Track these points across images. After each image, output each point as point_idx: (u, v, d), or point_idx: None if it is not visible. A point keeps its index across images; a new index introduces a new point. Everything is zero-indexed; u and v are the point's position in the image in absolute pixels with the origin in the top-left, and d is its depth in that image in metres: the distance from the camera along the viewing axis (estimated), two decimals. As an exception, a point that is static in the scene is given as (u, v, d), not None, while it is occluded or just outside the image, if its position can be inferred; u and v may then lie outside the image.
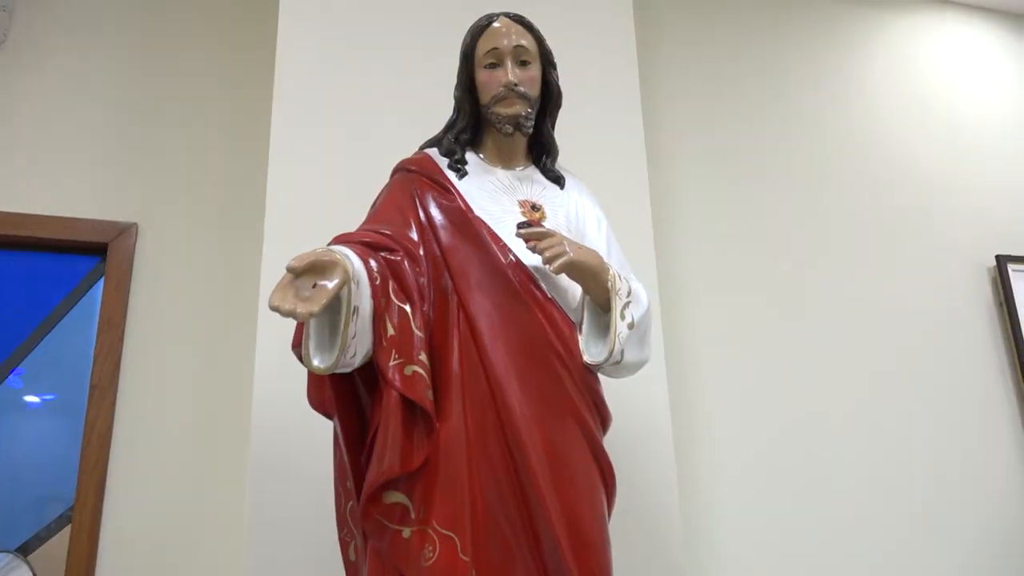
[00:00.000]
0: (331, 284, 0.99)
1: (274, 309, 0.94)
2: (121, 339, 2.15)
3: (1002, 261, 2.60)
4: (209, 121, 2.35)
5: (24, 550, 2.00)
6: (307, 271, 0.98)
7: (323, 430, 1.59)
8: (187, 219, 2.27)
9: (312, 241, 1.70)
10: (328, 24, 2.00)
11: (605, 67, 2.08)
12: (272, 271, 1.72)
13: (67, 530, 2.03)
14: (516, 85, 1.25)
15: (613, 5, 2.15)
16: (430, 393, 1.11)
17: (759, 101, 2.59)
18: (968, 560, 2.26)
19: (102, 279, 2.22)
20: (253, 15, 2.47)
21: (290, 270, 0.97)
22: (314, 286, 0.98)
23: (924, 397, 2.42)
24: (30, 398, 2.13)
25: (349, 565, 1.21)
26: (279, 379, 1.65)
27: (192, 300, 2.21)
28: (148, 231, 2.24)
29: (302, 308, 0.94)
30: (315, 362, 1.04)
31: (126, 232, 2.22)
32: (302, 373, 1.52)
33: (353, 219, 1.72)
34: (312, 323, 1.04)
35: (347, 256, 1.05)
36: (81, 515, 2.01)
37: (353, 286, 1.03)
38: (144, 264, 2.21)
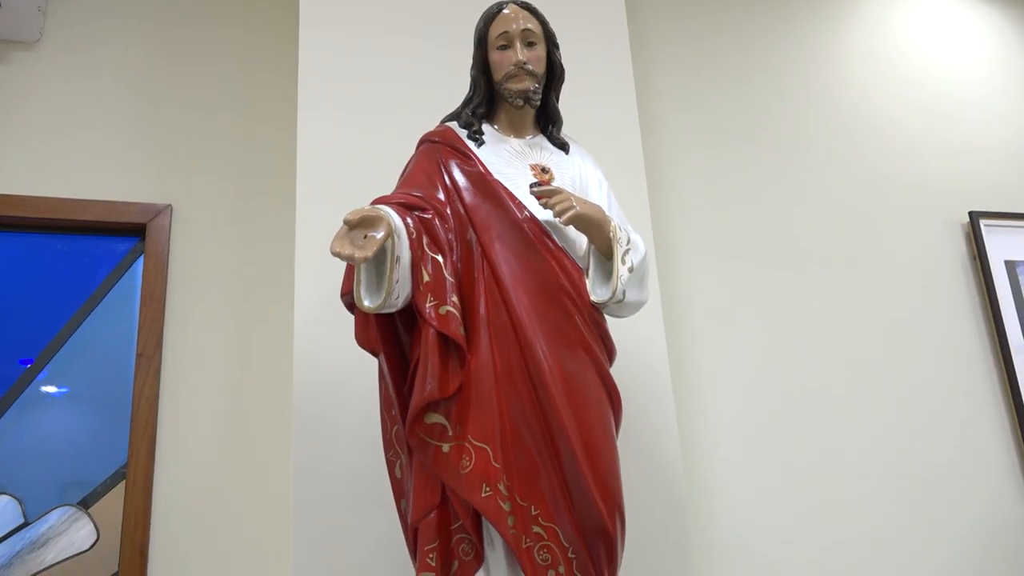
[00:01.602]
0: (379, 235, 1.18)
1: (335, 254, 1.13)
2: (163, 311, 2.33)
3: (975, 217, 2.79)
4: (235, 106, 2.52)
5: (84, 503, 2.20)
6: (359, 224, 1.18)
7: (362, 377, 1.80)
8: (219, 199, 2.44)
9: (341, 209, 1.90)
10: (350, 6, 2.15)
11: (598, 48, 2.25)
12: (306, 238, 1.90)
13: (121, 486, 2.23)
14: (525, 63, 1.44)
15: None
16: (462, 329, 1.30)
17: (746, 71, 2.76)
18: (960, 521, 2.42)
19: (141, 257, 2.41)
20: (275, 2, 2.64)
21: (346, 222, 1.16)
22: (365, 237, 1.18)
23: (903, 346, 2.59)
24: (80, 368, 2.32)
25: (395, 481, 1.41)
26: (317, 335, 1.83)
27: (226, 273, 2.39)
28: (182, 211, 2.42)
29: (359, 253, 1.14)
30: (366, 303, 1.24)
31: (163, 213, 2.40)
32: (339, 327, 1.72)
33: (377, 187, 1.91)
34: (363, 269, 1.23)
35: (389, 213, 1.24)
36: (135, 472, 2.20)
37: (395, 238, 1.23)
38: (180, 242, 2.39)
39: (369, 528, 1.74)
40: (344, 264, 1.31)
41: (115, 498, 2.22)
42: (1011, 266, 2.77)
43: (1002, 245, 2.78)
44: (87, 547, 2.15)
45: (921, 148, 2.87)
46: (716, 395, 2.36)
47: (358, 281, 1.24)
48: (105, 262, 2.40)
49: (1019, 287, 2.75)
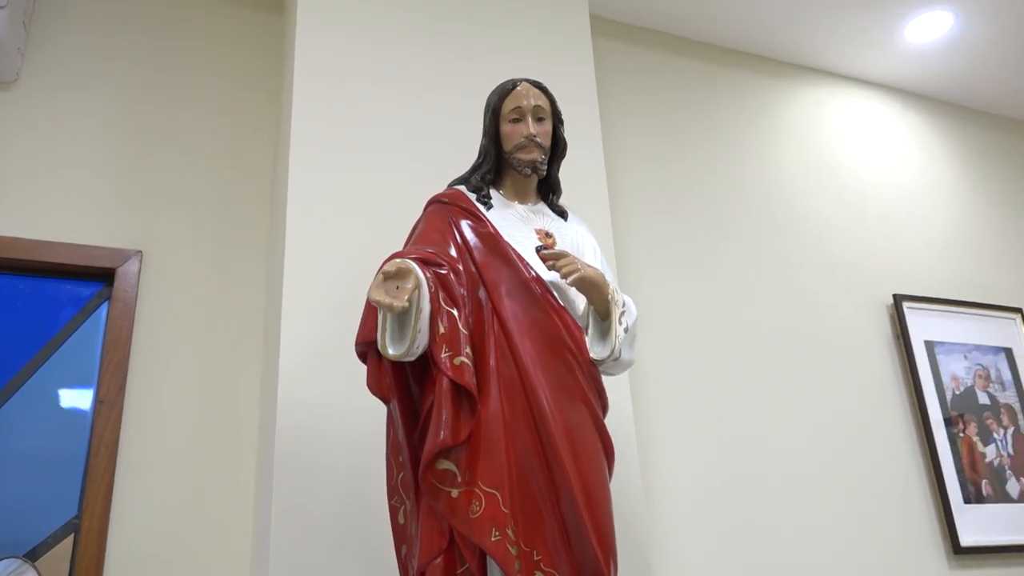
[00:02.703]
0: (409, 286, 1.26)
1: (375, 302, 1.20)
2: (127, 358, 2.30)
3: (898, 299, 3.04)
4: (210, 154, 2.55)
5: (32, 555, 2.11)
6: (393, 276, 1.25)
7: (344, 426, 1.83)
8: (190, 247, 2.45)
9: (328, 259, 1.95)
10: (343, 55, 2.24)
11: (575, 137, 2.42)
12: (293, 288, 1.94)
13: (71, 538, 2.15)
14: (535, 136, 1.57)
15: (578, 80, 2.47)
16: (474, 379, 1.38)
17: (698, 160, 2.97)
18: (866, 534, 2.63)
19: (106, 303, 2.38)
20: (258, 44, 2.70)
21: (385, 274, 1.24)
22: (397, 288, 1.25)
23: (835, 414, 2.78)
24: (34, 412, 2.25)
25: (398, 528, 1.44)
26: (302, 385, 1.86)
27: (194, 321, 2.38)
28: (152, 258, 2.42)
29: (396, 303, 1.21)
30: (391, 351, 1.30)
31: (132, 259, 2.39)
32: (322, 379, 1.77)
33: (365, 237, 1.99)
34: (389, 319, 1.30)
35: (414, 267, 1.32)
36: (89, 522, 2.13)
37: (419, 290, 1.30)
38: (149, 289, 2.38)
39: (347, 569, 1.75)
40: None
41: (64, 550, 2.14)
42: (930, 346, 3.03)
43: (922, 326, 3.04)
44: (33, 601, 2.06)
45: (851, 237, 3.13)
46: (670, 451, 2.47)
47: (383, 330, 1.31)
48: (68, 305, 2.37)
49: (937, 365, 3.01)
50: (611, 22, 2.98)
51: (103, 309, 2.38)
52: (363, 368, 1.87)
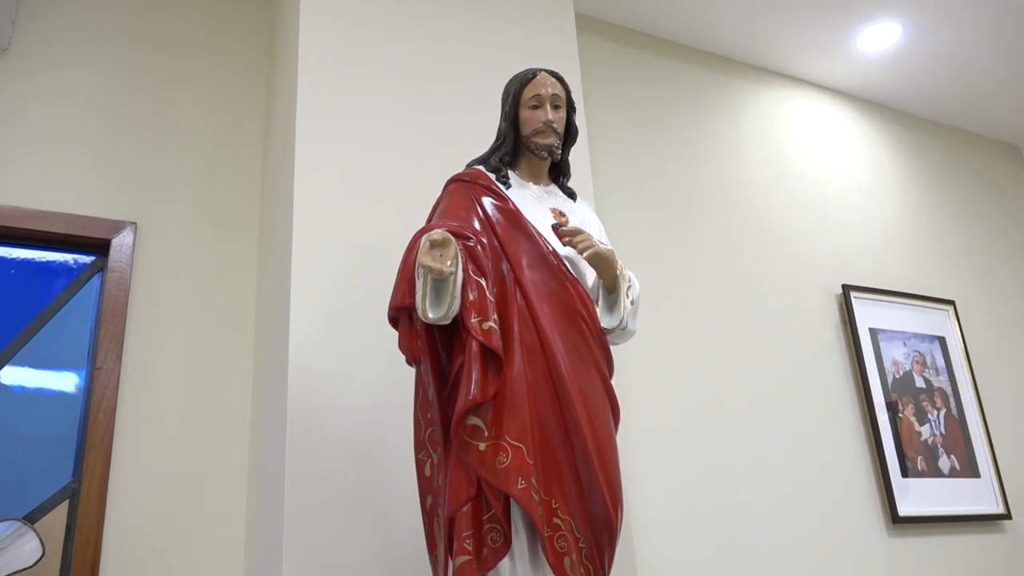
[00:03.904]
0: (452, 253, 1.38)
1: (427, 267, 1.33)
2: (123, 327, 2.34)
3: (846, 289, 3.28)
4: (204, 129, 2.60)
5: (30, 518, 2.14)
6: (439, 244, 1.37)
7: (353, 394, 1.93)
8: (183, 219, 2.50)
9: (334, 230, 2.04)
10: (349, 34, 2.30)
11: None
12: (302, 259, 2.02)
13: (67, 502, 2.19)
14: (552, 123, 1.70)
15: (564, 73, 2.60)
16: (500, 343, 1.50)
17: (666, 152, 3.14)
18: (833, 534, 2.84)
19: (100, 273, 2.41)
20: (248, 26, 2.76)
21: (432, 243, 1.36)
22: (440, 255, 1.37)
23: (787, 396, 2.99)
24: (28, 380, 2.27)
25: (424, 480, 1.56)
26: (312, 350, 1.95)
27: (189, 294, 2.43)
28: (146, 230, 2.45)
29: (447, 269, 1.33)
30: (430, 314, 1.43)
31: (127, 229, 2.42)
32: (332, 345, 1.88)
33: (371, 207, 2.08)
34: (430, 285, 1.42)
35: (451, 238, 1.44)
36: (89, 487, 2.17)
37: (456, 259, 1.42)
38: (143, 260, 2.42)
39: (359, 537, 1.85)
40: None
41: (61, 514, 2.18)
42: (874, 333, 3.27)
43: (868, 315, 3.29)
44: (32, 563, 2.10)
45: (804, 231, 3.35)
46: (644, 438, 2.63)
47: (423, 295, 1.42)
48: (62, 275, 2.39)
49: (880, 351, 3.26)
50: (594, 20, 3.12)
51: (96, 280, 2.41)
52: (369, 341, 1.99)
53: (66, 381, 2.30)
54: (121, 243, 2.41)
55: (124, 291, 2.37)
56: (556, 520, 1.47)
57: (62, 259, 2.40)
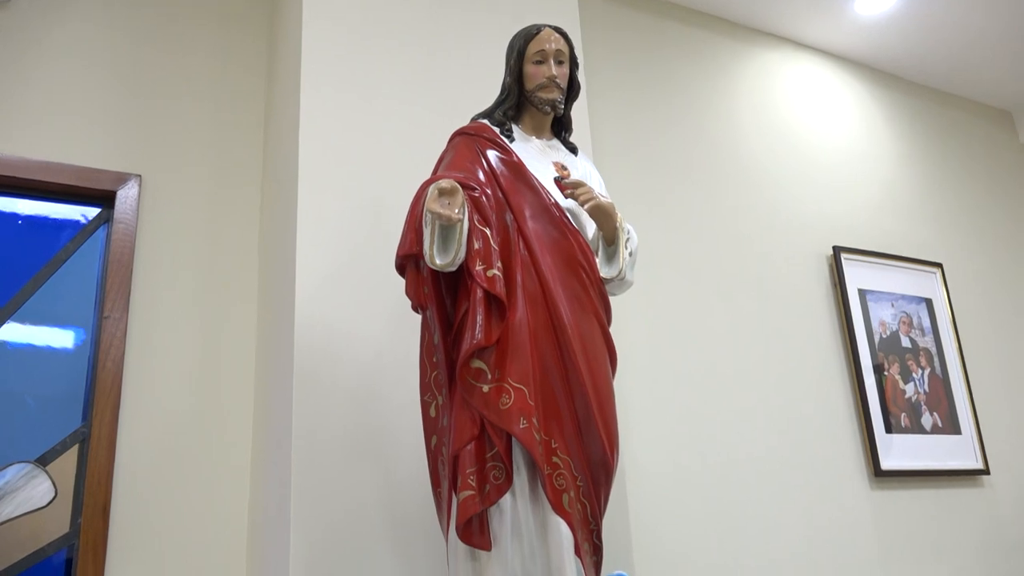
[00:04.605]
0: (459, 201, 1.43)
1: (436, 214, 1.39)
2: (130, 276, 2.39)
3: (837, 251, 3.34)
4: (208, 82, 2.63)
5: (42, 461, 2.21)
6: (447, 192, 1.42)
7: (358, 344, 1.99)
8: (186, 172, 2.53)
9: (340, 183, 2.08)
10: None
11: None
12: (307, 211, 2.06)
13: (77, 447, 2.26)
14: (556, 78, 1.74)
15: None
16: (504, 290, 1.56)
17: (663, 113, 3.16)
18: (818, 491, 2.93)
19: (105, 225, 2.45)
20: None
21: (441, 191, 1.41)
22: (448, 203, 1.42)
23: (778, 353, 3.06)
24: (38, 328, 2.32)
25: (429, 420, 1.63)
26: (317, 300, 2.00)
27: (194, 245, 2.48)
28: (150, 182, 2.49)
29: (455, 215, 1.39)
30: (438, 261, 1.49)
31: (132, 182, 2.45)
32: (337, 295, 1.93)
33: (376, 161, 2.11)
34: (437, 232, 1.47)
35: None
36: (99, 431, 2.24)
37: (463, 208, 1.47)
38: (148, 211, 2.46)
39: (364, 479, 1.92)
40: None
41: (71, 458, 2.24)
42: (863, 293, 3.35)
43: (857, 276, 3.36)
44: (45, 503, 2.17)
45: (796, 193, 3.40)
46: (639, 390, 2.70)
47: (431, 242, 1.48)
48: (68, 226, 2.43)
49: (868, 311, 3.33)
50: (594, -22, 3.14)
51: (102, 231, 2.45)
52: (374, 292, 2.05)
53: (74, 330, 2.35)
54: (126, 195, 2.45)
55: (130, 242, 2.41)
56: (555, 459, 1.54)
57: (68, 211, 2.43)
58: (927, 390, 3.37)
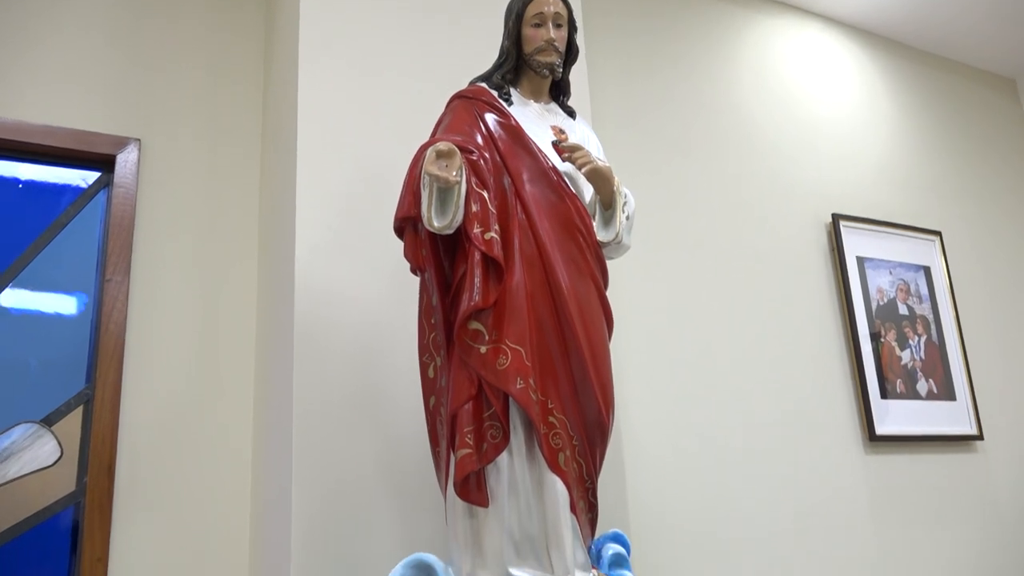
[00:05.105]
0: (457, 163, 1.44)
1: (433, 176, 1.40)
2: (131, 240, 2.41)
3: (836, 218, 3.35)
4: (203, 44, 2.62)
5: (47, 421, 2.24)
6: (445, 155, 1.43)
7: (358, 308, 2.01)
8: (185, 137, 2.54)
9: (338, 144, 2.09)
10: None
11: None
12: (307, 174, 2.07)
13: (82, 407, 2.29)
14: (554, 41, 1.73)
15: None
16: (501, 252, 1.57)
17: (664, 80, 3.15)
18: (814, 456, 2.96)
19: (105, 189, 2.46)
20: None
21: (438, 153, 1.42)
22: (446, 166, 1.43)
23: (775, 321, 3.08)
24: (40, 292, 2.34)
25: (427, 381, 1.65)
26: (317, 264, 2.01)
27: (193, 208, 2.49)
28: (150, 147, 2.49)
29: (452, 177, 1.40)
30: (435, 223, 1.50)
31: (131, 145, 2.46)
32: (336, 259, 1.94)
33: (374, 121, 2.11)
34: (435, 195, 1.48)
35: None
36: (103, 392, 2.27)
37: (461, 170, 1.48)
38: (148, 175, 2.47)
39: (364, 439, 1.95)
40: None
41: (76, 418, 2.28)
42: (861, 261, 3.36)
43: (855, 243, 3.37)
44: (51, 462, 2.20)
45: (796, 160, 3.39)
46: (636, 354, 2.73)
47: (429, 204, 1.49)
48: (68, 190, 2.44)
49: (866, 279, 3.35)
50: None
51: (102, 195, 2.46)
52: (373, 256, 2.06)
53: (77, 293, 2.37)
54: (126, 159, 2.45)
55: (130, 206, 2.42)
56: (552, 419, 1.57)
57: (69, 175, 2.44)
58: (923, 357, 3.40)
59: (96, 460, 2.21)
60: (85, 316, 2.37)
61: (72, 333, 2.35)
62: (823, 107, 3.57)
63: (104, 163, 2.45)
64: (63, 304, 2.36)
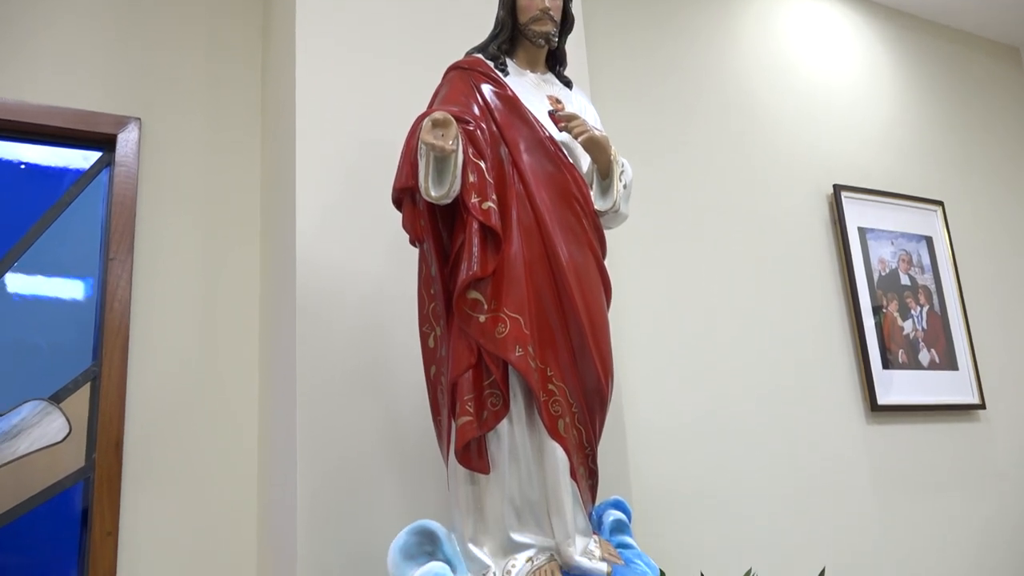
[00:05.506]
0: (453, 132, 1.45)
1: (429, 145, 1.41)
2: (133, 218, 2.42)
3: (837, 189, 3.35)
4: (202, 23, 2.62)
5: (56, 398, 2.27)
6: (440, 124, 1.44)
7: (360, 284, 2.02)
8: (185, 116, 2.54)
9: (338, 122, 2.10)
10: None
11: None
12: (306, 151, 2.08)
13: (89, 385, 2.32)
14: (549, 10, 1.74)
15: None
16: (499, 222, 1.58)
17: (666, 53, 3.14)
18: (815, 429, 2.98)
19: (107, 168, 2.47)
20: None
21: (434, 122, 1.43)
22: (442, 135, 1.44)
23: (776, 292, 3.09)
24: (45, 272, 2.36)
25: (427, 351, 1.67)
26: (317, 239, 2.03)
27: (194, 187, 2.51)
28: (150, 126, 2.50)
29: (448, 146, 1.40)
30: (433, 192, 1.51)
31: (132, 125, 2.47)
32: (337, 233, 1.95)
33: (373, 98, 2.12)
34: (432, 165, 1.49)
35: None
36: (109, 370, 2.30)
37: (458, 140, 1.49)
38: (149, 154, 2.48)
39: (366, 411, 1.98)
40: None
41: (83, 396, 2.31)
42: (863, 232, 3.36)
43: (857, 214, 3.36)
44: (60, 439, 2.23)
45: (798, 131, 3.39)
46: (637, 324, 2.74)
47: (426, 174, 1.50)
48: (70, 171, 2.45)
49: (868, 249, 3.35)
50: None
51: (104, 175, 2.48)
52: (373, 229, 2.08)
53: (81, 272, 2.39)
54: (127, 139, 2.46)
55: (132, 185, 2.44)
56: (551, 386, 1.59)
57: (70, 156, 2.45)
58: (925, 327, 3.41)
59: (104, 436, 2.24)
60: (90, 295, 2.39)
61: (78, 311, 2.37)
62: (824, 77, 3.56)
63: (105, 143, 2.46)
64: (68, 283, 2.38)
